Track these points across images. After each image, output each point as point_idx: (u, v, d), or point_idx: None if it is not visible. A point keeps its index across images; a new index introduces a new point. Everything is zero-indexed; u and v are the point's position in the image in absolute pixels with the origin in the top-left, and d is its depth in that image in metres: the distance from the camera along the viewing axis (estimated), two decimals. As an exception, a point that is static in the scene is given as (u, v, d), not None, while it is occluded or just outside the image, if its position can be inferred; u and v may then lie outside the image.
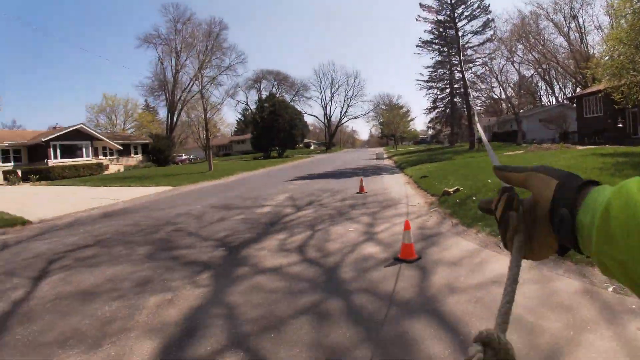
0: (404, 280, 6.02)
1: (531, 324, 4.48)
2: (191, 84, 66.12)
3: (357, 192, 16.12)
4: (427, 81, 62.37)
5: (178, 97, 70.69)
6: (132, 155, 56.80)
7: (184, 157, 71.51)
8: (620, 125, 33.55)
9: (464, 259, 6.89)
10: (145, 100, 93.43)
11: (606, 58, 20.84)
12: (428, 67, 62.09)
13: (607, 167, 13.98)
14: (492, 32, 55.01)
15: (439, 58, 60.37)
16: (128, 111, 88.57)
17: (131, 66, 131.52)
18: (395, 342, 4.25)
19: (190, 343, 4.40)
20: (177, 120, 70.06)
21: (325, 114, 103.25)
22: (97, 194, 20.55)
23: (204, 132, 63.73)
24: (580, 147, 28.97)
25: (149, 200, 17.89)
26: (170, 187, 22.88)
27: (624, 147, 24.43)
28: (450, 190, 12.82)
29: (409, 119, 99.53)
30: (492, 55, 54.96)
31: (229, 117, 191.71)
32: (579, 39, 61.21)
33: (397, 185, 18.47)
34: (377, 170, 27.74)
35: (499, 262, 6.64)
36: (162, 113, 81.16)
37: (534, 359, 3.84)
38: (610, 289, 5.24)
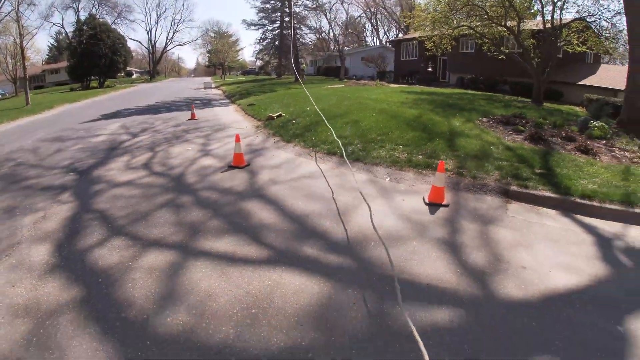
0: (237, 179, 7.87)
1: (329, 198, 6.60)
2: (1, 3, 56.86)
3: (189, 119, 17.29)
4: (258, 12, 62.92)
5: None
6: None
7: None
8: (430, 69, 38.74)
9: (283, 164, 8.94)
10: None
11: (429, 11, 23.57)
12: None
13: (408, 102, 16.69)
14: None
15: None
16: None
17: None
18: (236, 214, 6.09)
19: (78, 239, 5.54)
20: None
21: (150, 40, 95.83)
22: None
23: (15, 61, 56.13)
24: (393, 85, 32.91)
25: (-33, 140, 16.59)
26: (-13, 126, 20.88)
27: (431, 88, 28.40)
28: (274, 115, 14.72)
29: (237, 48, 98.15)
30: None
31: (39, 42, 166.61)
32: None
33: (226, 113, 19.96)
34: (207, 100, 28.58)
35: (309, 165, 8.82)
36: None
37: (330, 215, 5.93)
38: (387, 179, 7.62)
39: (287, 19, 63.03)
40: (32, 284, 4.45)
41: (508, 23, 19.92)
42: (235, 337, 3.43)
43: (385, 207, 6.23)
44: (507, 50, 22.75)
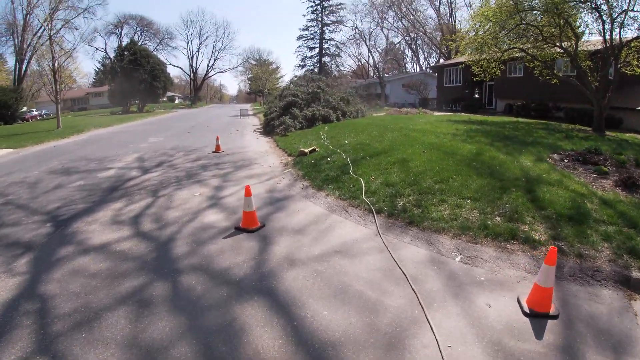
0: (242, 254, 5.66)
1: (373, 301, 4.33)
2: (42, 28, 57.58)
3: (213, 152, 15.54)
4: (297, 38, 62.69)
5: (28, 43, 59.15)
6: (-26, 112, 48.36)
7: (34, 112, 61.22)
8: (477, 95, 36.22)
9: (309, 226, 6.72)
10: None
11: (471, 33, 21.84)
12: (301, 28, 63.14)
13: (459, 133, 14.63)
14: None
15: (312, 16, 61.35)
16: (-30, 60, 76.48)
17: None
18: (220, 333, 3.85)
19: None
20: (26, 69, 59.70)
21: (191, 66, 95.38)
22: None
23: (58, 83, 56.52)
24: (437, 113, 30.73)
25: (-18, 166, 15.14)
26: (11, 150, 20.03)
27: (478, 116, 26.32)
28: (306, 150, 12.69)
29: (278, 75, 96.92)
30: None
31: (86, 67, 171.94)
32: (448, 14, 63.79)
33: (256, 144, 18.07)
34: (240, 128, 26.84)
35: (344, 229, 6.56)
36: (12, 62, 69.01)
37: (373, 341, 3.67)
38: (457, 259, 5.32)
39: (325, 45, 62.35)
40: None
41: (563, 44, 18.08)
42: None
43: (462, 323, 3.92)
44: (561, 74, 20.94)
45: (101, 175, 11.74)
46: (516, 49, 20.02)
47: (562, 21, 17.19)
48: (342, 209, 7.43)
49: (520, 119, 23.63)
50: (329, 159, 11.28)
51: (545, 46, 18.90)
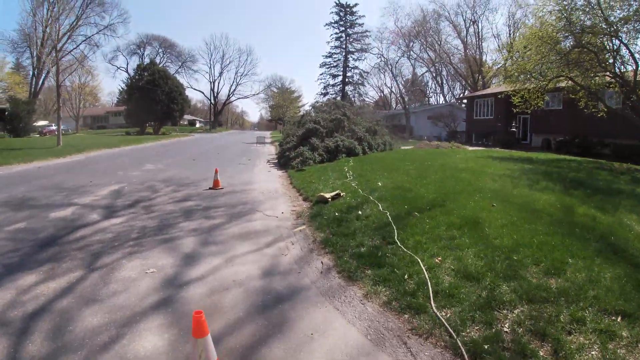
0: None
1: None
2: (59, 38, 56.00)
3: (210, 188, 12.44)
4: (320, 66, 61.36)
5: (44, 57, 57.00)
6: (-13, 123, 45.39)
7: (53, 127, 57.00)
8: (514, 129, 32.90)
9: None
10: (17, 59, 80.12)
11: (499, 65, 20.98)
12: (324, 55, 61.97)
13: (516, 175, 11.65)
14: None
15: (337, 44, 59.65)
16: (-9, 71, 74.36)
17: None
18: None
19: None
20: (42, 83, 57.98)
21: (212, 90, 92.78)
22: None
23: (79, 100, 54.88)
24: (470, 148, 27.94)
25: None
26: (-8, 168, 17.25)
27: (516, 152, 23.62)
28: (327, 195, 9.43)
29: (299, 104, 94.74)
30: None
31: (108, 86, 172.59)
32: (475, 44, 61.09)
33: (266, 179, 14.89)
34: (252, 158, 23.72)
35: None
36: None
37: None
38: None
39: (349, 73, 60.25)
40: None
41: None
42: None
43: None
44: (614, 106, 19.31)
45: (53, 216, 8.80)
46: (563, 77, 18.16)
47: (619, 43, 15.87)
48: (398, 339, 3.91)
49: (566, 157, 21.09)
50: (359, 212, 8.06)
51: (595, 75, 17.16)
